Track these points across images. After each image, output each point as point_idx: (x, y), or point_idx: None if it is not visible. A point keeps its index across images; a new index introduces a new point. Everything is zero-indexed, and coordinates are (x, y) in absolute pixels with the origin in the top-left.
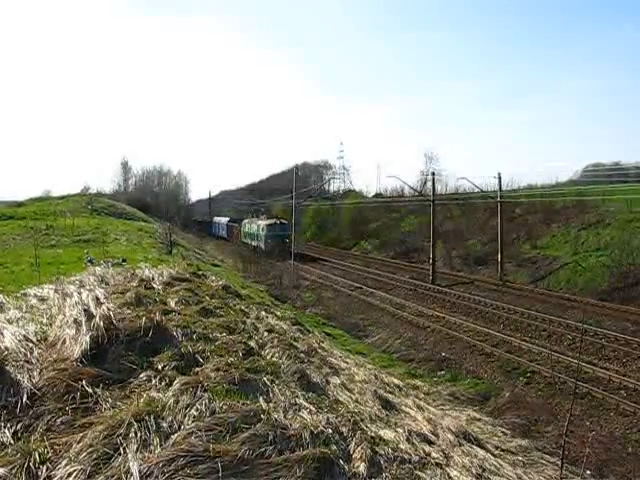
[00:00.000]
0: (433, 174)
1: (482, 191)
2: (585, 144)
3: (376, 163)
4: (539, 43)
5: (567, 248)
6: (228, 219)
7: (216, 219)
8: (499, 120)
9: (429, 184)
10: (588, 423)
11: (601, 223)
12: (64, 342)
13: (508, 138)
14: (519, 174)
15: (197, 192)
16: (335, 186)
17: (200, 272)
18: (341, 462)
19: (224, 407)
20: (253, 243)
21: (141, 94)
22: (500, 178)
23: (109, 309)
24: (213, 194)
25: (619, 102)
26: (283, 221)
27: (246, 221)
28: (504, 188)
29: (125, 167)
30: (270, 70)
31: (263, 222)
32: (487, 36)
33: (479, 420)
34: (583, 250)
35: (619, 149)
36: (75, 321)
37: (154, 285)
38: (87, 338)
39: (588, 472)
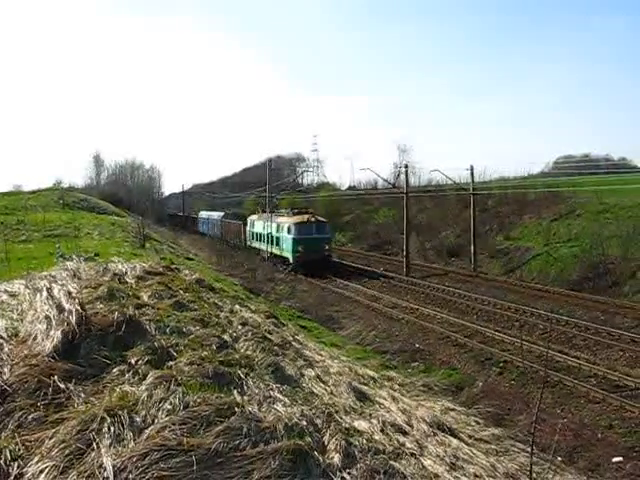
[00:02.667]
0: (406, 166)
1: (455, 183)
2: (557, 137)
3: (350, 156)
4: (516, 35)
5: (539, 239)
6: (222, 214)
7: (203, 214)
8: (473, 113)
9: (402, 177)
10: (559, 411)
11: (572, 214)
12: (35, 338)
13: (483, 130)
14: (492, 166)
15: (170, 186)
16: (309, 179)
17: (173, 266)
18: (315, 453)
19: (198, 401)
20: (270, 250)
21: (111, 87)
22: (472, 170)
23: (81, 304)
24: (186, 188)
25: (591, 94)
26: (320, 219)
27: (254, 218)
28: (477, 180)
29: (97, 161)
30: (243, 65)
31: (287, 220)
32: (463, 28)
33: (453, 410)
34: (554, 241)
35: (589, 141)
36: (46, 316)
37: (127, 279)
38: (59, 333)
39: (559, 458)
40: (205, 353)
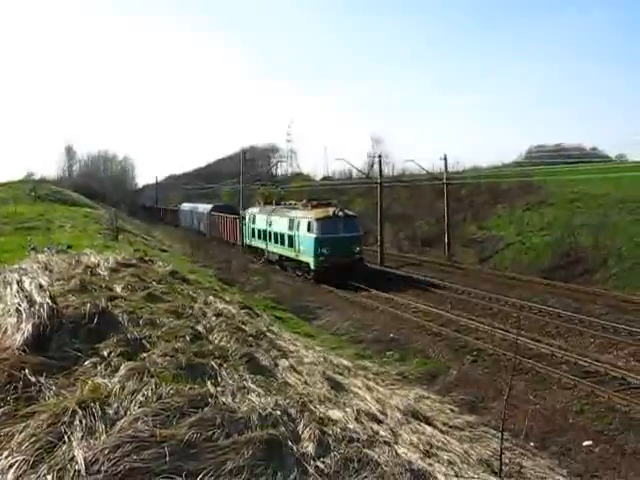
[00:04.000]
0: (380, 156)
1: (429, 173)
2: (530, 127)
3: (324, 147)
4: (492, 27)
5: (512, 228)
6: (211, 206)
7: (186, 206)
8: (447, 106)
9: (376, 167)
10: (532, 397)
11: (544, 203)
12: (5, 331)
13: (457, 122)
14: (466, 157)
15: (144, 177)
16: (283, 169)
17: (147, 258)
18: (290, 443)
19: (171, 392)
20: (280, 252)
21: (82, 78)
22: (446, 160)
23: (52, 296)
24: (160, 179)
25: (565, 87)
26: (349, 213)
27: (255, 211)
28: (451, 170)
29: (69, 152)
30: (217, 54)
31: (306, 214)
32: (439, 20)
33: (427, 398)
34: (527, 230)
35: (561, 132)
36: (17, 309)
37: (100, 271)
38: (29, 326)
39: (531, 444)
40: (179, 344)
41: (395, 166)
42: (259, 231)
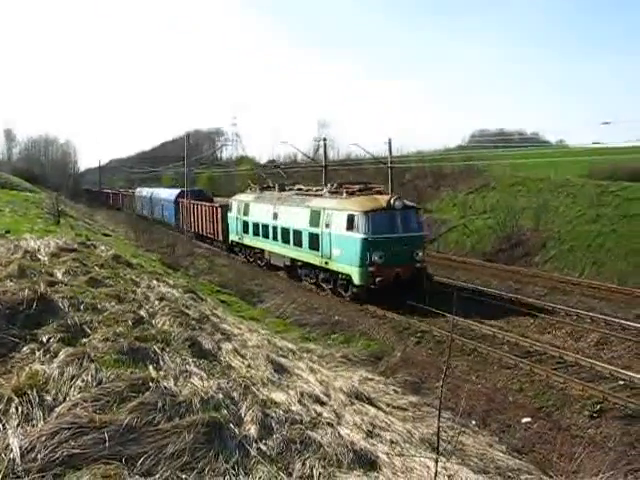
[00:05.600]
0: (325, 140)
1: (373, 157)
2: (474, 112)
3: (271, 131)
4: (435, 11)
5: (455, 211)
6: (178, 192)
7: (144, 191)
8: (393, 92)
9: (321, 150)
10: (474, 377)
11: (486, 187)
12: None
13: (402, 108)
14: (410, 141)
15: (87, 161)
16: (228, 153)
17: (89, 242)
18: (232, 426)
19: (112, 377)
20: (297, 258)
21: (22, 59)
22: (390, 143)
23: None
24: (104, 163)
25: (509, 72)
26: (408, 203)
27: (247, 198)
28: (395, 154)
29: (9, 136)
30: (163, 34)
31: (342, 204)
32: (382, 11)
33: (371, 380)
34: (470, 213)
35: (504, 117)
36: None
37: (40, 256)
38: None
39: (473, 422)
40: (120, 329)
41: (340, 150)
42: (255, 225)
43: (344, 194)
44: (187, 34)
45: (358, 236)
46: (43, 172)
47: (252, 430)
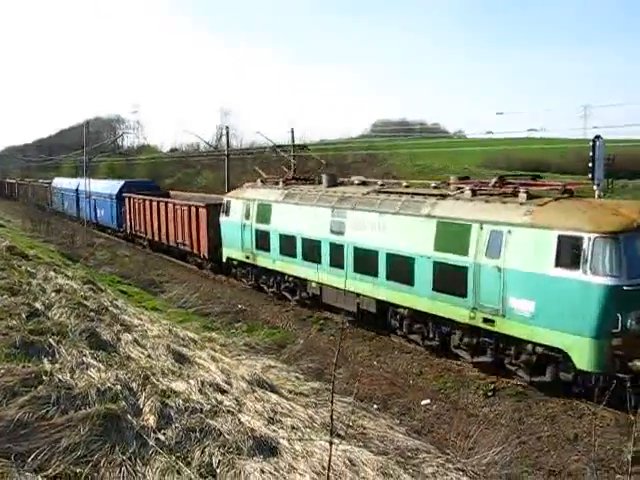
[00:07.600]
0: (227, 128)
1: (275, 145)
2: (376, 103)
3: (175, 120)
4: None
5: None
6: (122, 184)
7: (64, 182)
8: (297, 76)
9: (224, 139)
10: (375, 362)
11: (388, 175)
12: None
13: (306, 97)
14: (314, 130)
15: None
16: (129, 141)
17: None
18: (129, 417)
19: (2, 372)
20: (402, 304)
21: None
22: (293, 132)
23: None
24: None
25: (411, 64)
26: None
27: (271, 197)
28: (299, 143)
29: None
30: (65, 18)
31: (522, 213)
32: None
33: (274, 367)
34: None
35: (406, 107)
36: None
37: None
38: None
39: (375, 406)
40: (13, 322)
41: (244, 139)
42: (288, 240)
43: (524, 196)
44: (87, 17)
45: (593, 281)
46: None
47: (151, 420)
